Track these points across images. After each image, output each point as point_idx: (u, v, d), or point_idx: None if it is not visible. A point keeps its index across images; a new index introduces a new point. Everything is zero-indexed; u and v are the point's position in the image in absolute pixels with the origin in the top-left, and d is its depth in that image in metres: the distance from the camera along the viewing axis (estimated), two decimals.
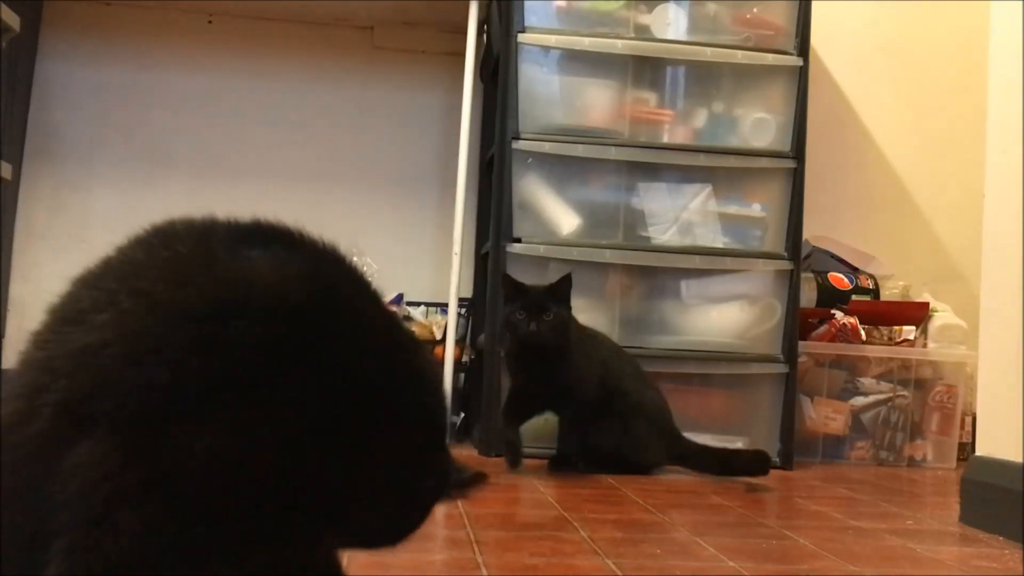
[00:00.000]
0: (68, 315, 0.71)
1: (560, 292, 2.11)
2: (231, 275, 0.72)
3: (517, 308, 2.09)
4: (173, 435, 0.66)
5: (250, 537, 0.69)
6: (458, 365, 2.73)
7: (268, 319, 0.71)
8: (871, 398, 2.69)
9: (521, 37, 2.43)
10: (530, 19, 2.45)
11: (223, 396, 0.68)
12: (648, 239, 2.49)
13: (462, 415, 2.76)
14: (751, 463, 2.15)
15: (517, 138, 2.42)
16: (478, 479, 0.91)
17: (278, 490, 0.70)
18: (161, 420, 0.67)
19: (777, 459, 2.43)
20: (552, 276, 2.20)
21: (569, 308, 2.13)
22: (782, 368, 2.48)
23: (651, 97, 2.58)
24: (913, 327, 2.76)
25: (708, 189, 2.53)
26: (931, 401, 2.71)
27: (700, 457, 2.20)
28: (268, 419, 0.69)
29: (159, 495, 0.66)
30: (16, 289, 2.83)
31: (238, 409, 0.68)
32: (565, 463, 2.21)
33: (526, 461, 2.13)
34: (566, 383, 2.15)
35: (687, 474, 2.24)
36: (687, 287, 2.53)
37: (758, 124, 2.56)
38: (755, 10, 2.61)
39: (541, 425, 2.28)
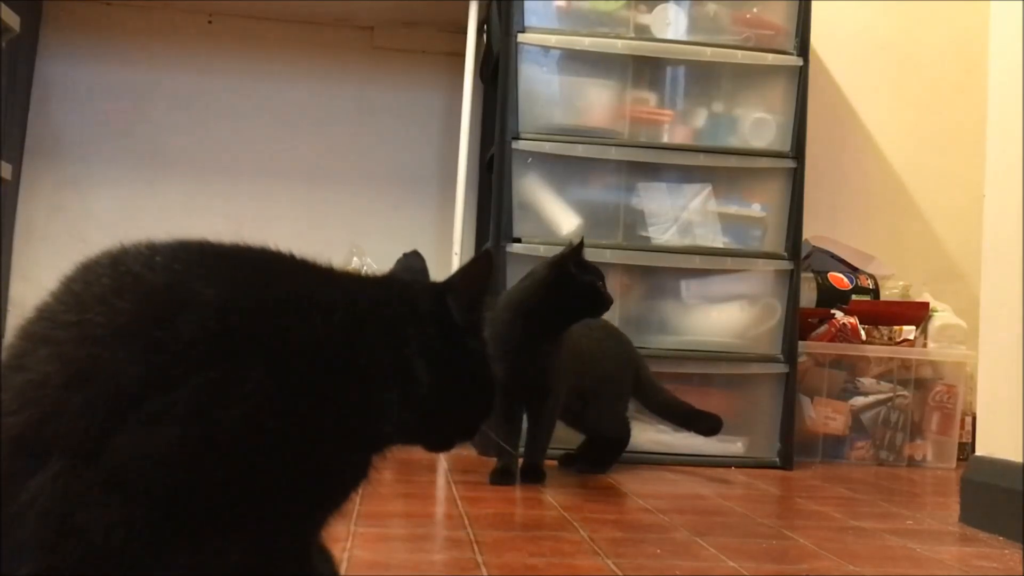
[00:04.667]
0: (12, 364, 0.74)
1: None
2: (167, 285, 0.75)
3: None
4: (123, 443, 0.69)
5: (215, 524, 0.72)
6: None
7: (212, 317, 0.73)
8: (871, 398, 2.69)
9: (521, 37, 2.43)
10: (530, 19, 2.44)
11: (170, 396, 0.70)
12: (648, 239, 2.49)
13: None
14: (706, 424, 2.20)
15: (517, 138, 2.41)
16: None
17: (235, 476, 0.72)
18: (109, 433, 0.69)
19: (777, 459, 2.43)
20: None
21: None
22: (782, 368, 2.48)
23: (651, 97, 2.58)
24: (913, 327, 2.76)
25: (708, 189, 2.52)
26: (931, 401, 2.71)
27: (664, 408, 2.24)
28: (218, 413, 0.71)
29: (118, 493, 0.68)
30: (16, 289, 2.82)
31: (186, 407, 0.70)
32: (570, 462, 2.20)
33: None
34: (549, 380, 1.98)
35: (687, 474, 2.24)
36: (687, 287, 2.53)
37: (758, 124, 2.56)
38: (755, 10, 2.61)
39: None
